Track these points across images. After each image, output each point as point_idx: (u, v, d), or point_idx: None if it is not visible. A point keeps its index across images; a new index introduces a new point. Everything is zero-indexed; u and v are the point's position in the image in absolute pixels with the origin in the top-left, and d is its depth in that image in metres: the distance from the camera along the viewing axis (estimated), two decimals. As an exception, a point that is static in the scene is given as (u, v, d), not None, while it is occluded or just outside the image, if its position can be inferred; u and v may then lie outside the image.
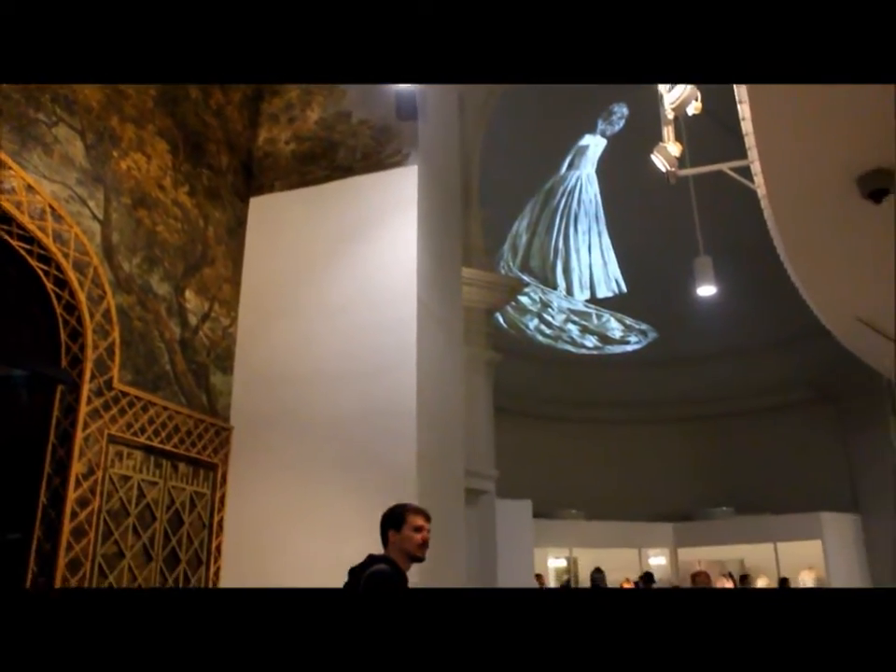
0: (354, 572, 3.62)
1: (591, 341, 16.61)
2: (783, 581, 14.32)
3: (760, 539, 15.99)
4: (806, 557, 15.51)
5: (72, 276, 4.90)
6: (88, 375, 4.90)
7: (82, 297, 4.94)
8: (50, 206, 4.83)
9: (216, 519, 5.97)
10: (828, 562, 15.20)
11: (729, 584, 16.08)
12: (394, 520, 3.66)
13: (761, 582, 16.10)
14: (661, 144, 6.16)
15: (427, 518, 3.68)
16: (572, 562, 16.48)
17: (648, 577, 13.11)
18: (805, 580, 15.01)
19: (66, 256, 4.89)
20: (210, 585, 5.81)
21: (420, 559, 3.61)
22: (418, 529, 3.62)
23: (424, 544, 3.61)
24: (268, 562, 5.84)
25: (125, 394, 5.19)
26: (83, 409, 4.84)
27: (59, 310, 4.89)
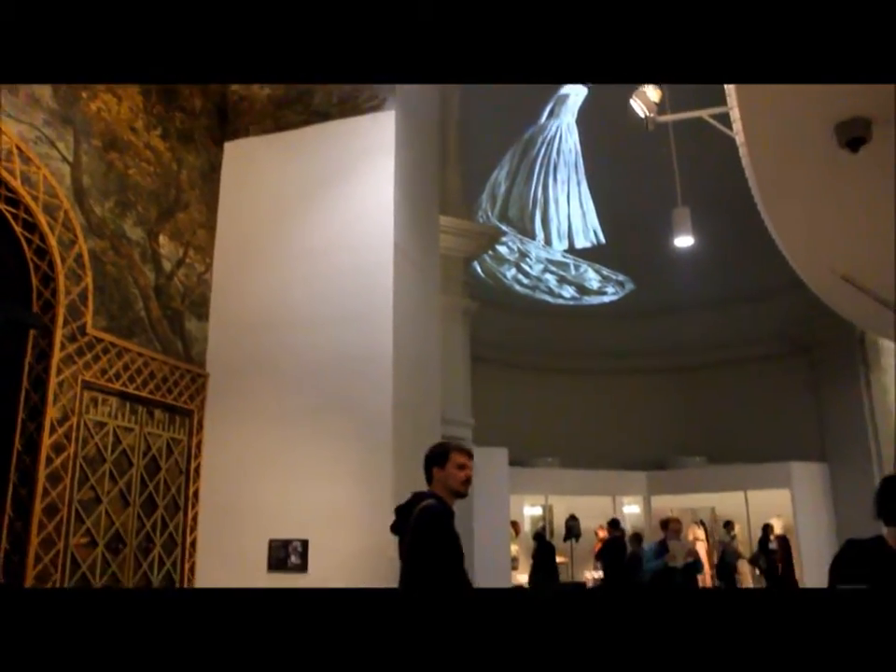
0: (401, 510, 3.72)
1: (568, 291, 16.64)
2: (766, 528, 14.60)
3: (731, 487, 16.32)
4: (775, 505, 15.87)
5: (42, 220, 4.81)
6: (60, 321, 4.84)
7: (53, 241, 4.86)
8: (17, 147, 4.71)
9: (192, 465, 5.98)
10: (796, 510, 15.57)
11: (700, 532, 16.46)
12: (438, 458, 3.77)
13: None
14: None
15: (470, 456, 3.79)
16: (547, 509, 16.75)
17: (614, 523, 13.39)
18: (774, 526, 15.39)
19: (35, 199, 4.79)
20: (188, 531, 5.85)
21: (463, 495, 3.73)
22: (461, 467, 3.73)
23: (467, 481, 3.73)
24: (245, 507, 5.88)
25: (99, 340, 5.14)
26: (56, 354, 4.79)
27: (29, 254, 4.80)
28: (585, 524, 15.98)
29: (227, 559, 5.85)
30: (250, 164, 6.66)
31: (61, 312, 4.85)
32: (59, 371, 4.80)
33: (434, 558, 3.50)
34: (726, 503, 16.72)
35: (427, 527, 3.55)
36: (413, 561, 3.55)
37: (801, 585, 14.25)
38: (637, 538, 13.92)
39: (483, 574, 10.51)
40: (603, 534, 14.29)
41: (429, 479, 3.81)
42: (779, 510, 15.77)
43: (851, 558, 2.31)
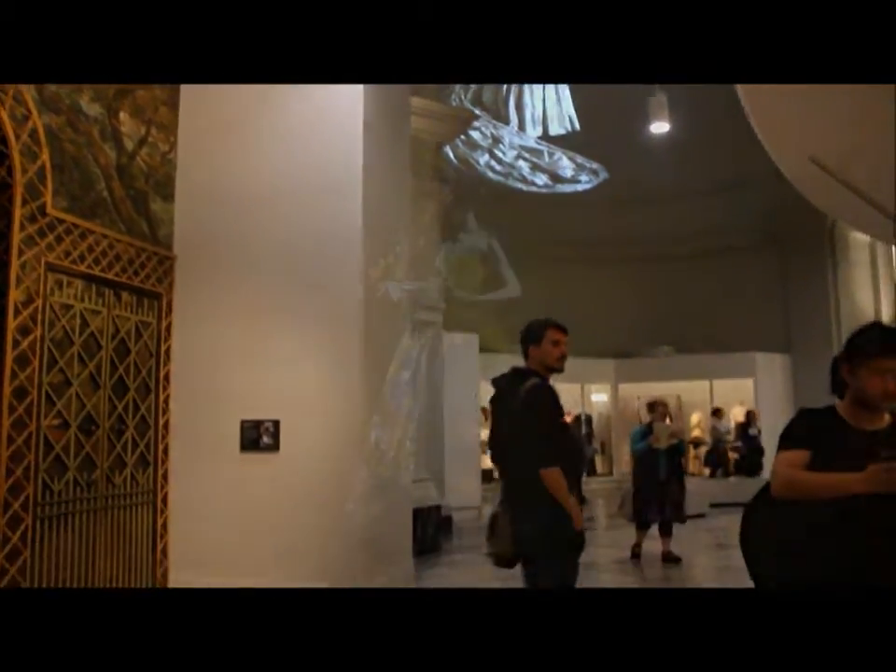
0: (498, 382, 3.82)
1: (541, 179, 16.35)
2: (749, 415, 14.93)
3: (697, 376, 16.73)
4: (739, 394, 16.34)
5: (-9, 92, 4.58)
6: (19, 200, 4.69)
7: (4, 115, 4.63)
8: (-39, 13, 4.43)
9: (163, 348, 5.96)
10: (758, 398, 16.04)
11: (666, 419, 16.93)
12: (533, 335, 3.87)
13: (695, 417, 16.99)
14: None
15: (565, 332, 3.87)
16: (517, 396, 17.07)
17: None
18: (737, 414, 15.89)
19: (-17, 69, 4.54)
20: (160, 413, 5.90)
21: (559, 370, 3.82)
22: (556, 343, 3.83)
23: (562, 357, 3.83)
24: (217, 389, 5.92)
25: (61, 221, 5.00)
26: (16, 235, 4.66)
27: (-21, 130, 4.60)
28: (554, 411, 16.33)
29: (200, 440, 5.92)
30: (213, 38, 6.35)
31: (18, 191, 4.69)
32: (20, 253, 4.69)
33: (549, 433, 3.65)
34: (692, 391, 17.17)
35: (538, 404, 3.66)
36: (525, 435, 3.67)
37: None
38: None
39: (453, 458, 10.79)
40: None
41: (525, 356, 3.89)
42: (742, 397, 16.25)
43: (802, 424, 2.39)
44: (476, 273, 6.33)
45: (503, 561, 3.76)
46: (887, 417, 2.30)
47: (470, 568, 7.25)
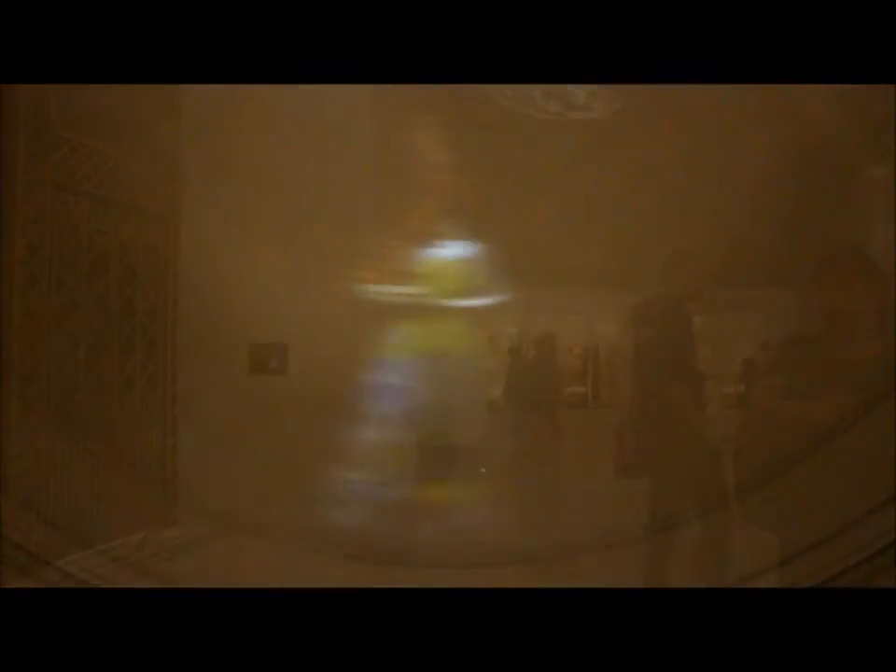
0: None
1: (554, 105, 16.11)
2: None
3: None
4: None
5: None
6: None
7: None
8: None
9: (170, 271, 5.93)
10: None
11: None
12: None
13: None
14: None
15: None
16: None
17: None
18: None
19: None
20: (169, 336, 5.89)
21: None
22: None
23: None
24: (225, 312, 5.85)
25: (66, 138, 4.91)
26: (21, 151, 4.58)
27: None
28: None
29: (208, 363, 5.91)
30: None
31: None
32: (25, 171, 4.62)
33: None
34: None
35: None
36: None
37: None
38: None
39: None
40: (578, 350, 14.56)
41: None
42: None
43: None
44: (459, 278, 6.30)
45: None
46: (874, 346, 2.31)
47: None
